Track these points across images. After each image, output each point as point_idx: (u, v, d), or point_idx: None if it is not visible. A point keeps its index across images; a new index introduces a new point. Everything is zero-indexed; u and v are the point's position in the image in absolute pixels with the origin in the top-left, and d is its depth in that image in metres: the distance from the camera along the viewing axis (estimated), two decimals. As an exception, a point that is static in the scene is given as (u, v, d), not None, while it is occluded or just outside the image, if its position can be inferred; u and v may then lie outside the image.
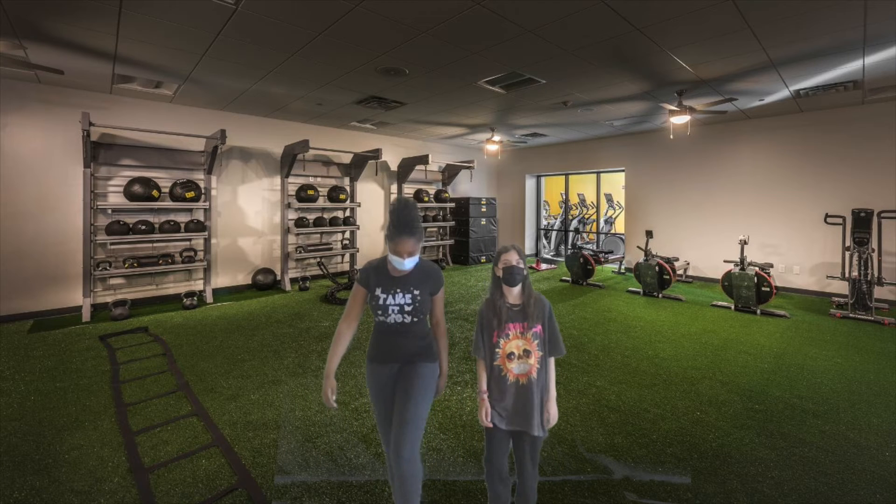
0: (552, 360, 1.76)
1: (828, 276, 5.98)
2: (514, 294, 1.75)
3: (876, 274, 5.45)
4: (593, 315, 5.43)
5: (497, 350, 1.73)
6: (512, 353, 1.71)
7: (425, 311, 1.75)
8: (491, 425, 1.73)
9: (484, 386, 1.78)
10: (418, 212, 1.72)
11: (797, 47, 3.91)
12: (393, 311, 1.69)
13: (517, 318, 1.72)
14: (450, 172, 9.77)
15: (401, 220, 1.65)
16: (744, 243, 5.87)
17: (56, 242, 5.33)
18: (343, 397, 3.11)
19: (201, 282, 6.35)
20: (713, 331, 4.76)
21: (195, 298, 5.73)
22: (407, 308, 1.70)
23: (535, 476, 1.78)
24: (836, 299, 6.00)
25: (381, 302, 1.69)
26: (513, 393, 1.70)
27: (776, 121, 6.77)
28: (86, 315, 5.15)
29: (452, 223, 9.66)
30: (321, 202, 7.60)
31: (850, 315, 5.26)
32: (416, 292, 1.71)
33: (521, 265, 1.73)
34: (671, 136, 7.59)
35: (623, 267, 8.66)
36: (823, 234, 6.37)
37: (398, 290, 1.70)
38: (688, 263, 7.77)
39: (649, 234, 7.29)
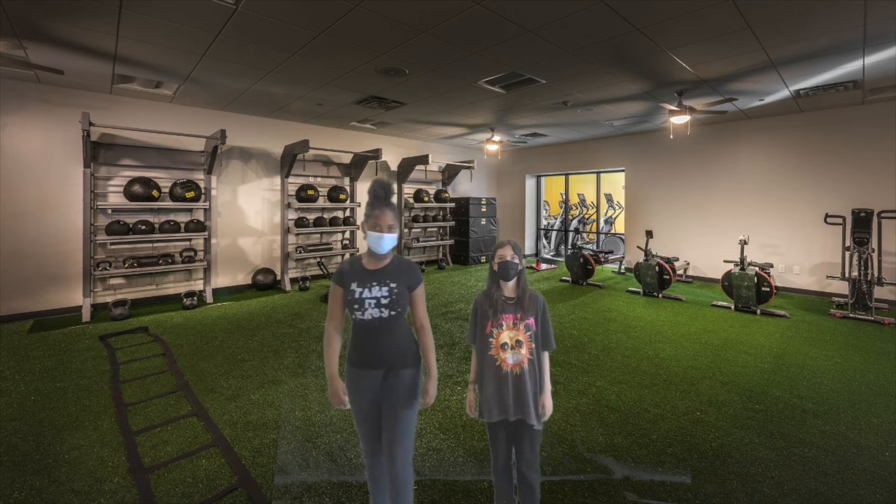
0: (546, 355, 1.80)
1: (828, 276, 5.98)
2: (509, 287, 1.80)
3: (876, 274, 5.45)
4: (593, 315, 5.43)
5: (490, 340, 1.76)
6: (505, 344, 1.74)
7: (404, 306, 1.69)
8: (475, 415, 1.80)
9: (474, 376, 1.84)
10: (394, 190, 1.71)
11: (797, 47, 3.91)
12: (370, 304, 1.63)
13: (511, 309, 1.76)
14: (450, 172, 9.77)
15: (378, 195, 1.67)
16: (744, 243, 5.87)
17: (56, 242, 5.33)
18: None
19: (201, 282, 6.35)
20: (713, 331, 4.76)
21: (195, 298, 5.73)
22: (384, 301, 1.64)
23: (537, 474, 1.79)
24: (836, 299, 6.00)
25: (357, 296, 1.64)
26: (509, 382, 1.72)
27: (776, 121, 6.77)
28: (86, 315, 5.15)
29: (452, 223, 9.66)
30: (321, 202, 7.60)
31: (850, 315, 5.26)
32: (393, 285, 1.66)
33: (516, 260, 1.77)
34: (671, 136, 7.59)
35: (623, 267, 8.66)
36: (823, 234, 6.37)
37: (374, 284, 1.65)
38: (688, 263, 7.77)
39: (649, 234, 7.29)
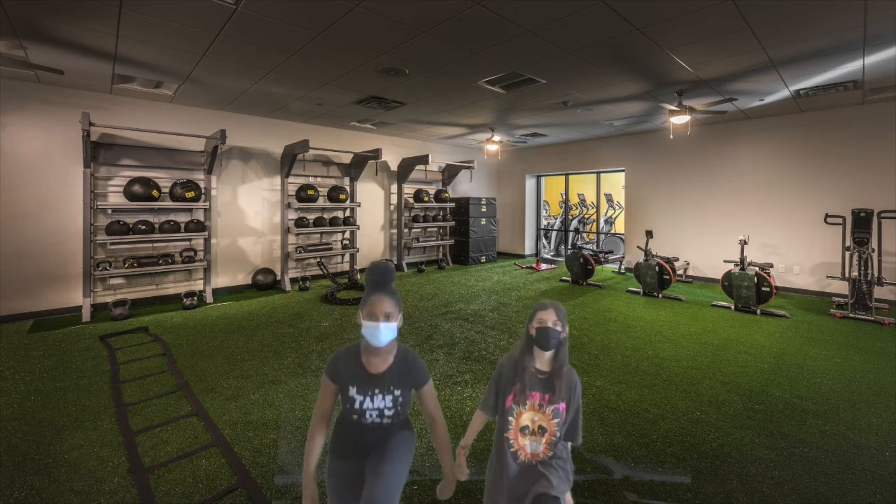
0: (568, 446, 1.54)
1: (828, 276, 5.98)
2: (544, 359, 1.51)
3: (876, 274, 5.45)
4: (593, 315, 5.43)
5: (510, 419, 1.48)
6: (525, 427, 1.47)
7: (407, 409, 1.51)
8: (465, 477, 1.57)
9: (468, 441, 1.60)
10: (394, 275, 1.54)
11: (797, 47, 3.91)
12: (371, 415, 1.45)
13: (540, 387, 1.49)
14: (450, 172, 9.77)
15: (373, 279, 1.49)
16: (744, 243, 5.87)
17: (56, 242, 5.33)
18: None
19: (201, 282, 6.35)
20: (713, 331, 4.76)
21: (195, 298, 5.73)
22: (388, 413, 1.46)
23: None
24: (836, 299, 6.00)
25: (356, 406, 1.45)
26: (519, 475, 1.46)
27: (776, 121, 6.77)
28: (86, 315, 5.15)
29: (452, 223, 9.66)
30: (321, 202, 7.60)
31: (850, 315, 5.26)
32: (398, 393, 1.47)
33: (559, 327, 1.48)
34: (671, 136, 7.59)
35: (623, 267, 8.66)
36: (823, 234, 6.37)
37: (376, 391, 1.45)
38: (688, 263, 7.77)
39: (649, 234, 7.29)
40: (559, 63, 4.38)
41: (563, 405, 1.48)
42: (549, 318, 1.49)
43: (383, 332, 1.43)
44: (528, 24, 3.50)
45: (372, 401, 1.45)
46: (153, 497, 2.09)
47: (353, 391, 1.45)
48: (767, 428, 2.73)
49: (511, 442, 1.48)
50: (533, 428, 1.46)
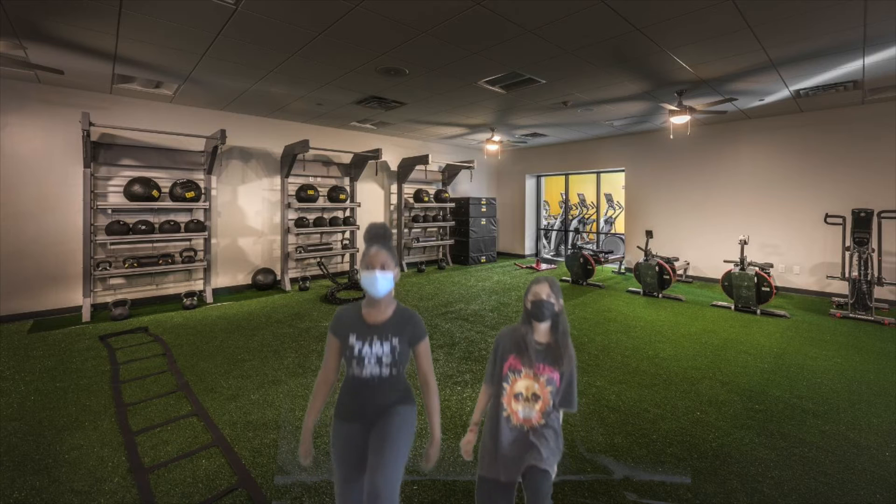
0: (560, 413, 1.60)
1: (828, 276, 5.98)
2: (541, 331, 1.59)
3: (876, 274, 5.45)
4: (593, 315, 5.43)
5: (505, 385, 1.57)
6: (519, 394, 1.54)
7: (404, 363, 1.58)
8: (470, 457, 1.62)
9: (477, 417, 1.65)
10: (391, 233, 1.66)
11: (797, 47, 3.91)
12: (370, 362, 1.52)
13: (538, 356, 1.56)
14: (450, 172, 9.77)
15: (371, 233, 1.62)
16: (744, 243, 5.87)
17: (56, 242, 5.33)
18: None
19: (201, 282, 6.35)
20: (713, 331, 4.76)
21: (195, 298, 5.73)
22: (385, 360, 1.53)
23: None
24: (836, 299, 6.00)
25: (356, 352, 1.53)
26: (511, 439, 1.52)
27: (776, 121, 6.77)
28: (86, 315, 5.15)
29: (452, 223, 9.66)
30: (321, 202, 7.60)
31: (850, 315, 5.26)
32: (395, 341, 1.54)
33: (553, 299, 1.56)
34: (671, 136, 7.59)
35: (623, 267, 8.66)
36: (823, 234, 6.37)
37: (375, 338, 1.54)
38: (688, 263, 7.77)
39: (649, 234, 7.29)
40: (559, 63, 4.38)
41: (557, 374, 1.55)
42: (544, 291, 1.57)
43: (380, 280, 1.52)
44: (528, 24, 3.50)
45: (370, 347, 1.53)
46: (153, 497, 2.09)
47: (352, 339, 1.54)
48: (767, 428, 2.73)
49: (504, 407, 1.55)
50: (527, 395, 1.53)
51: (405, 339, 1.57)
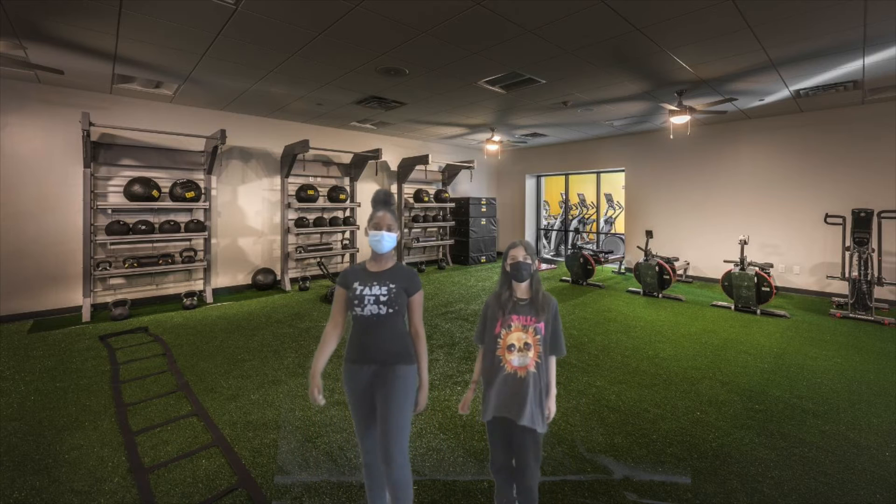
0: (553, 359, 1.79)
1: (828, 276, 5.98)
2: (521, 289, 1.79)
3: (876, 274, 5.45)
4: (593, 315, 5.43)
5: (498, 340, 1.75)
6: (512, 345, 1.72)
7: (402, 305, 1.75)
8: (466, 412, 1.83)
9: (477, 375, 1.83)
10: (395, 198, 1.86)
11: (797, 47, 3.91)
12: (369, 300, 1.71)
13: (523, 311, 1.75)
14: (450, 172, 9.77)
15: (378, 199, 1.83)
16: (744, 243, 5.87)
17: (56, 242, 5.33)
18: (342, 397, 3.11)
19: (201, 282, 6.35)
20: (713, 331, 4.76)
21: (195, 298, 5.73)
22: (383, 298, 1.72)
23: (536, 475, 1.76)
24: (836, 299, 6.00)
25: (357, 293, 1.73)
26: (508, 383, 1.71)
27: (776, 121, 6.77)
28: (86, 315, 5.15)
29: (452, 223, 9.66)
30: (321, 202, 7.60)
31: (850, 315, 5.26)
32: (392, 286, 1.74)
33: (529, 260, 1.75)
34: (671, 136, 7.58)
35: (623, 267, 8.66)
36: (823, 234, 6.37)
37: (374, 283, 1.74)
38: (688, 263, 7.77)
39: (649, 234, 7.29)
40: (559, 63, 4.38)
41: (542, 324, 1.74)
42: (520, 254, 1.76)
43: (386, 239, 1.76)
44: (528, 24, 3.50)
45: (370, 289, 1.73)
46: (153, 497, 2.09)
47: (356, 284, 1.76)
48: (767, 428, 2.73)
49: (500, 357, 1.74)
50: (519, 345, 1.72)
51: (401, 287, 1.76)
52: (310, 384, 1.75)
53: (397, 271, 1.80)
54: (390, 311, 1.72)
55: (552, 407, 1.76)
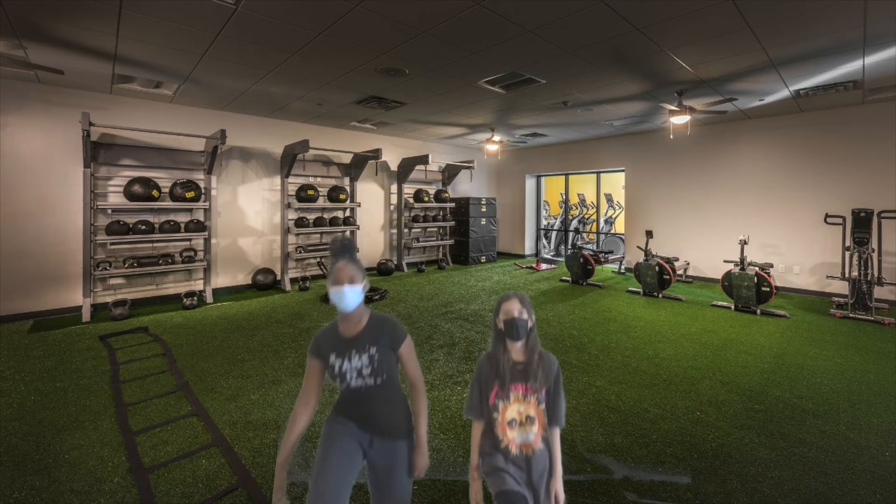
0: (556, 431, 1.52)
1: (828, 276, 5.98)
2: (517, 349, 1.52)
3: (876, 274, 5.45)
4: (593, 315, 5.43)
5: (496, 415, 1.49)
6: (513, 420, 1.47)
7: (390, 370, 1.53)
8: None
9: (476, 460, 1.52)
10: (354, 244, 1.61)
11: (797, 47, 3.91)
12: (351, 376, 1.49)
13: (520, 377, 1.49)
14: (450, 172, 9.77)
15: (335, 248, 1.57)
16: (744, 243, 5.87)
17: (56, 242, 5.33)
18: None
19: (201, 282, 6.35)
20: (713, 331, 4.76)
21: (195, 298, 5.73)
22: (365, 371, 1.49)
23: None
24: (836, 299, 6.00)
25: (336, 370, 1.49)
26: (520, 466, 1.47)
27: (776, 121, 6.77)
28: (86, 315, 5.15)
29: (452, 223, 9.66)
30: (321, 202, 7.60)
31: (850, 315, 5.26)
32: (373, 350, 1.50)
33: (525, 316, 1.50)
34: (671, 136, 7.59)
35: (623, 267, 8.66)
36: (823, 234, 6.37)
37: (353, 352, 1.50)
38: (688, 263, 7.77)
39: (649, 234, 7.29)
40: (559, 63, 4.38)
41: (544, 391, 1.49)
42: (515, 308, 1.50)
43: (348, 294, 1.48)
44: (528, 25, 3.50)
45: (350, 361, 1.49)
46: (153, 497, 2.09)
47: (332, 357, 1.51)
48: (767, 428, 2.73)
49: (500, 438, 1.48)
50: (520, 419, 1.47)
51: (384, 345, 1.52)
52: (276, 480, 1.47)
53: (374, 328, 1.54)
54: (379, 380, 1.50)
55: (559, 490, 1.48)
